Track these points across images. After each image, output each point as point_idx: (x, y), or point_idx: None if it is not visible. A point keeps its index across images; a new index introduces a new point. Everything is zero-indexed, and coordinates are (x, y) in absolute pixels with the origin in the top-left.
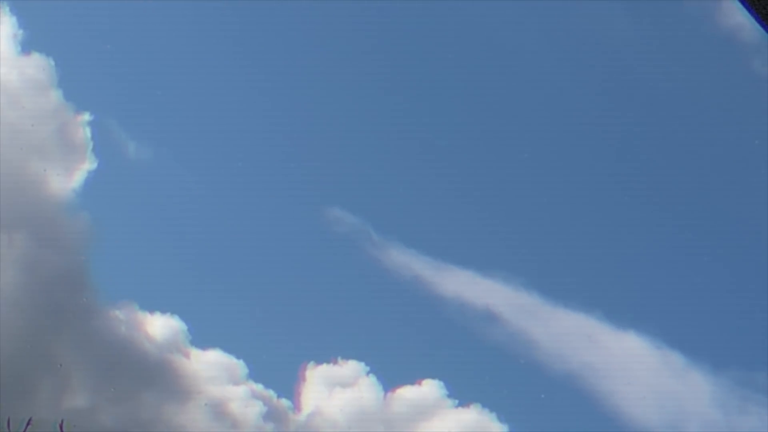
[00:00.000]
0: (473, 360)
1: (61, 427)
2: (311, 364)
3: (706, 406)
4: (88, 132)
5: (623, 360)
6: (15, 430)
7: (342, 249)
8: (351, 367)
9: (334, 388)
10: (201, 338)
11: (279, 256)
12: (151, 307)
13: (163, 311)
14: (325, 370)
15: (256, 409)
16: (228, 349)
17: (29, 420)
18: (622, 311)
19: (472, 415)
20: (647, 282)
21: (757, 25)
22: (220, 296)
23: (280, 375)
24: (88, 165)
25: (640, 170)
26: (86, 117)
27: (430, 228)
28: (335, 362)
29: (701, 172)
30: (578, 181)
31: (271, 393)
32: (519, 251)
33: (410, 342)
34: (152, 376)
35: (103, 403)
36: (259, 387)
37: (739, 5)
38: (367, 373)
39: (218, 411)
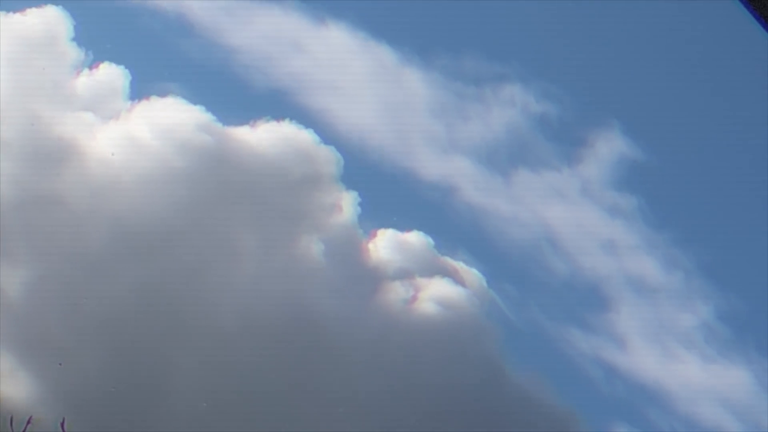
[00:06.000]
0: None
1: (62, 426)
2: None
3: (425, 114)
4: None
5: (332, 62)
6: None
7: None
8: None
9: None
10: None
11: None
12: None
13: None
14: None
15: None
16: None
17: (29, 419)
18: (321, 2)
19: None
20: None
21: (757, 25)
22: None
23: None
24: None
25: None
26: None
27: None
28: None
29: None
30: None
31: None
32: None
33: None
34: None
35: None
36: None
37: (739, 5)
38: None
39: None
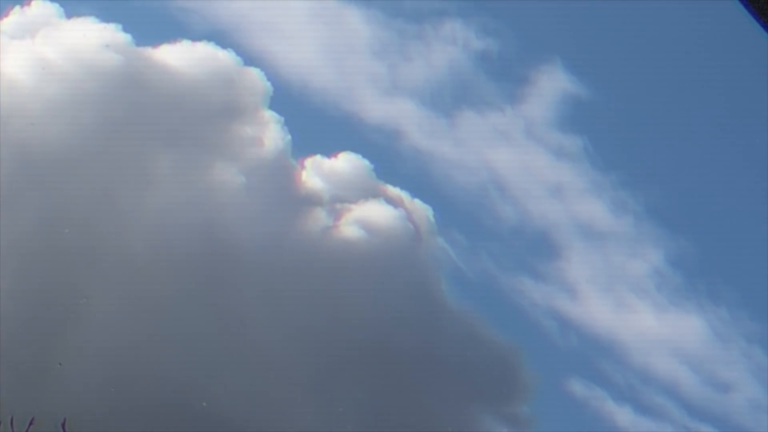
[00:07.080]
0: None
1: (63, 427)
2: None
3: (366, 53)
4: None
5: (274, 12)
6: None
7: None
8: None
9: None
10: None
11: None
12: None
13: None
14: None
15: None
16: None
17: (31, 420)
18: None
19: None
20: None
21: (757, 25)
22: None
23: None
24: None
25: None
26: None
27: None
28: None
29: None
30: None
31: None
32: None
33: None
34: None
35: None
36: None
37: (739, 5)
38: None
39: None
